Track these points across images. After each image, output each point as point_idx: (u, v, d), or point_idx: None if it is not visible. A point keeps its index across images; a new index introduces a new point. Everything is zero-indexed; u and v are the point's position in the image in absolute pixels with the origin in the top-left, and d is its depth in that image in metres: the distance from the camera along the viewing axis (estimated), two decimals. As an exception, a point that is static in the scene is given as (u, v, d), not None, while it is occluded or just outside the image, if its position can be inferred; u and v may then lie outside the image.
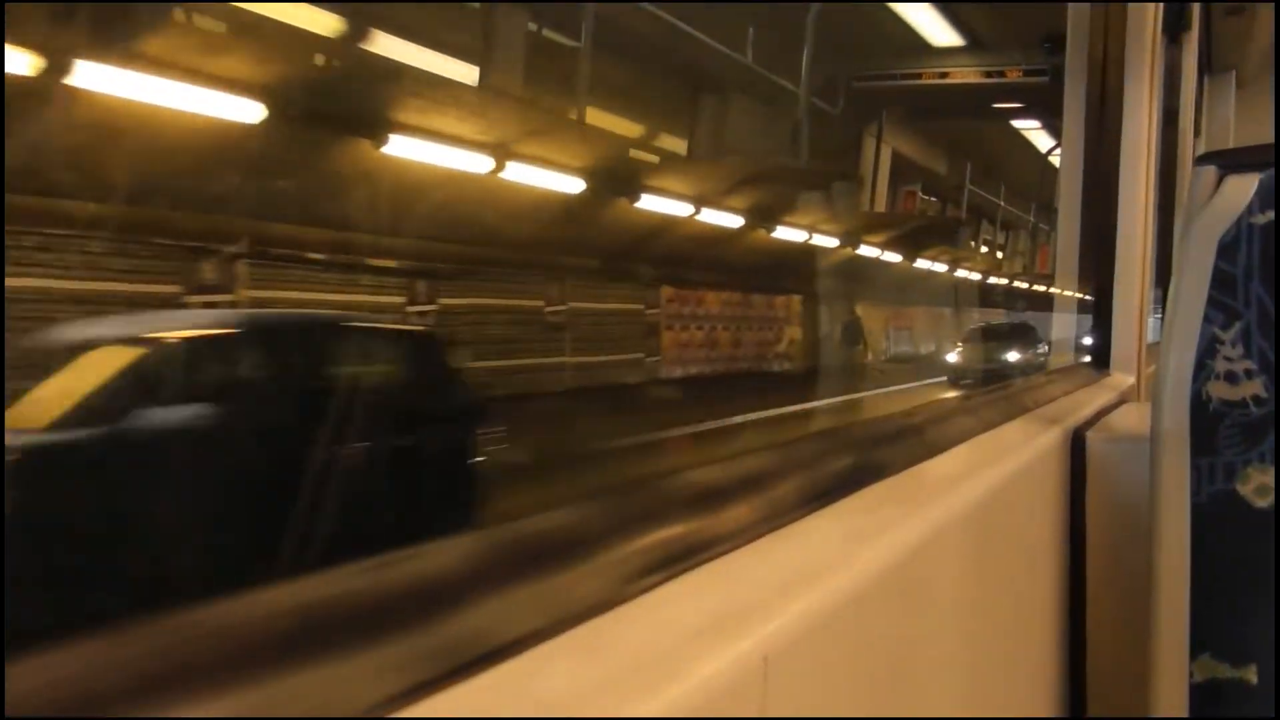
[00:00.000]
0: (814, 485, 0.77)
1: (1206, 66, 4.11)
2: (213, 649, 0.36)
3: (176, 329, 4.20)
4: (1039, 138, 17.35)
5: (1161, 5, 2.28)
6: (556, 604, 0.46)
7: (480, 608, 0.44)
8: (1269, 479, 1.05)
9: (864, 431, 1.05)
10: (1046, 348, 10.10)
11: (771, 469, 0.75)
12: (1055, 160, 14.18)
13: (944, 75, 13.33)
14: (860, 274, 16.09)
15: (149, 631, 0.35)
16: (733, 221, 11.73)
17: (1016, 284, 22.51)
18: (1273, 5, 3.52)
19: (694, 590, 0.54)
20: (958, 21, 12.45)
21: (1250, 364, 1.06)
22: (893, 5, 11.69)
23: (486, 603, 0.44)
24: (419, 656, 0.40)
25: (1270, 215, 1.05)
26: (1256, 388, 1.05)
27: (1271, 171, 1.05)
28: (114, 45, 4.80)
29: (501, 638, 0.43)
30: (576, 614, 0.47)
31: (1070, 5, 2.56)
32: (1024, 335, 15.58)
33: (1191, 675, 1.07)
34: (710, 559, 0.58)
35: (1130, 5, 2.21)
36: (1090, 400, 1.63)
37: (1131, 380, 2.05)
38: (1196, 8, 3.09)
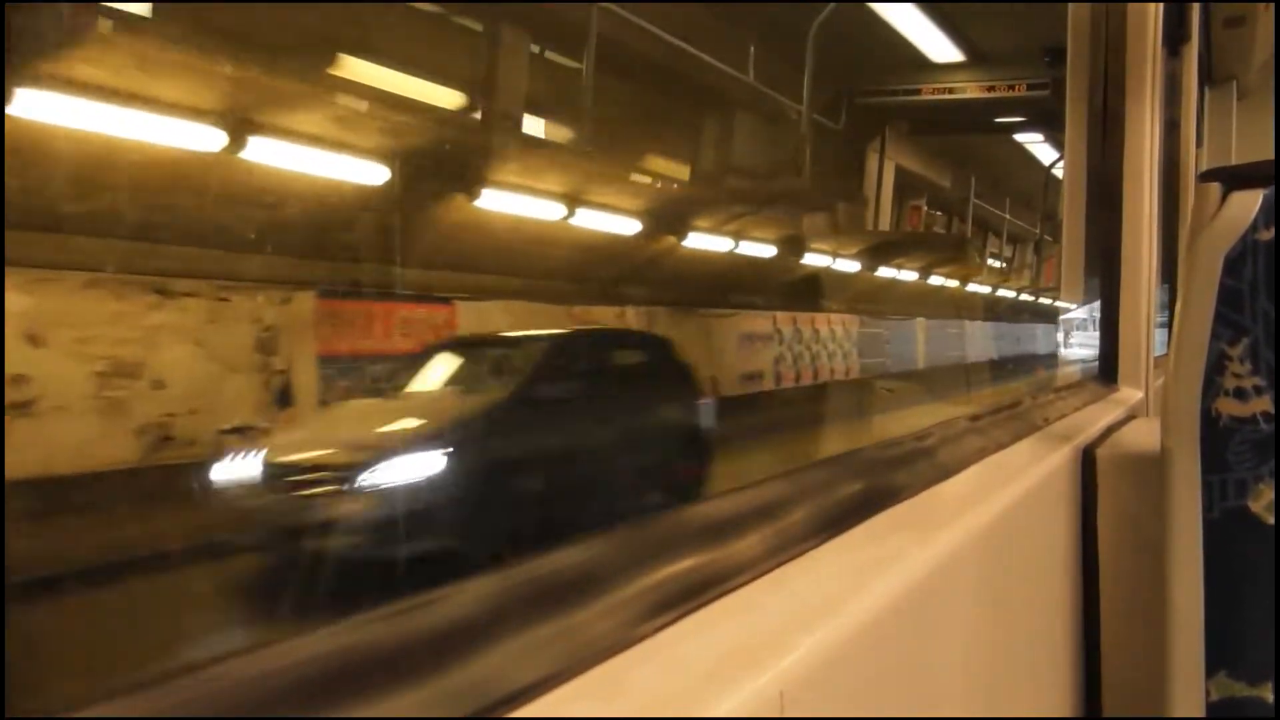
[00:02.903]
0: (825, 514, 0.77)
1: (1207, 78, 4.11)
2: (240, 699, 0.37)
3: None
4: (1043, 151, 17.36)
5: (1160, 12, 2.28)
6: (572, 646, 0.47)
7: (497, 651, 0.44)
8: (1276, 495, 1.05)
9: (875, 455, 1.05)
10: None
11: (782, 498, 0.76)
12: (1059, 173, 14.09)
13: (946, 90, 13.37)
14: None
15: (177, 686, 0.36)
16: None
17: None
18: (1272, 18, 3.52)
19: (708, 626, 0.54)
20: (958, 37, 12.49)
21: (1259, 380, 1.05)
22: (894, 23, 11.71)
23: (503, 646, 0.45)
24: (440, 701, 0.41)
25: (1274, 231, 1.05)
26: (1265, 404, 1.05)
27: (1274, 188, 1.06)
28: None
29: (519, 681, 0.43)
30: (592, 655, 0.47)
31: (1070, 17, 2.56)
32: None
33: (1208, 694, 1.06)
34: (723, 594, 0.58)
35: (1130, 14, 2.21)
36: (1099, 416, 1.63)
37: (1140, 395, 2.04)
38: (1196, 19, 3.09)
